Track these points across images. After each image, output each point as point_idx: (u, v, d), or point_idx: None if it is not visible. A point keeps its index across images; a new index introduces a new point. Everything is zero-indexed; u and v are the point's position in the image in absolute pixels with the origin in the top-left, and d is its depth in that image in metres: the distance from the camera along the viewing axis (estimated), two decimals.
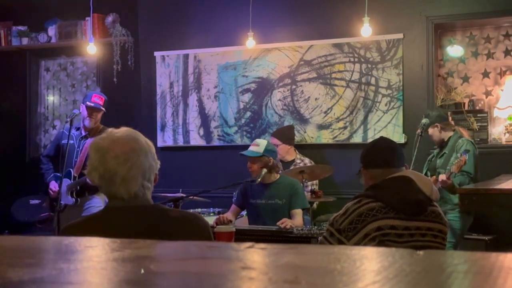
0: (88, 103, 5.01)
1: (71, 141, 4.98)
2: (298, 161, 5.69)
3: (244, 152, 4.58)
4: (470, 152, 4.55)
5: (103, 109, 5.08)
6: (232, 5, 6.37)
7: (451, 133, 4.85)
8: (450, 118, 5.04)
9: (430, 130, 4.86)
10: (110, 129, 2.10)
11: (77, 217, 4.82)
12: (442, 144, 4.87)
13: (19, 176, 7.05)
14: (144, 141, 2.06)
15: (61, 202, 4.90)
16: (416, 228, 2.58)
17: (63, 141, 5.09)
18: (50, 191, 5.03)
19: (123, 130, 2.07)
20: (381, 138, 3.12)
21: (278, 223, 4.18)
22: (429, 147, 5.12)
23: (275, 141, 5.62)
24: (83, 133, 5.06)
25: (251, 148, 4.57)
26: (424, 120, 4.77)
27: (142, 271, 0.76)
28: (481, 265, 0.77)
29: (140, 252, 0.86)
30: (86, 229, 2.03)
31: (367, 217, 2.55)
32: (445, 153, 4.79)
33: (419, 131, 4.77)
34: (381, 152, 2.77)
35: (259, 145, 4.57)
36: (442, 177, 4.45)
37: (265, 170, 4.47)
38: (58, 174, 5.05)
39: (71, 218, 4.85)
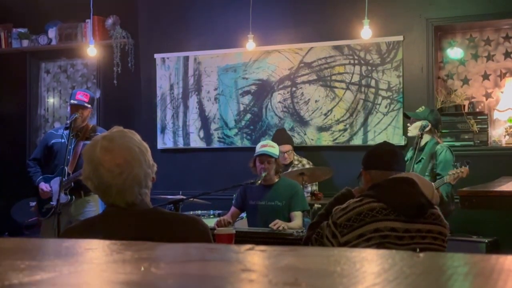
0: (72, 101, 4.87)
1: (62, 140, 4.86)
2: (296, 162, 5.70)
3: (268, 151, 4.49)
4: (450, 160, 4.49)
5: (88, 106, 4.90)
6: (232, 7, 6.37)
7: (428, 138, 4.70)
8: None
9: (420, 123, 4.68)
10: (103, 134, 2.05)
11: (69, 221, 4.65)
12: (417, 144, 4.69)
13: (19, 178, 7.04)
14: (138, 148, 2.00)
15: (52, 203, 4.70)
16: (416, 231, 2.58)
17: (52, 141, 4.96)
18: (42, 191, 4.83)
19: (116, 135, 2.01)
20: (384, 142, 3.15)
21: (270, 225, 4.17)
22: None
23: (288, 147, 5.61)
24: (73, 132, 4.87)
25: (269, 149, 4.52)
26: (424, 122, 4.74)
27: (142, 268, 0.76)
28: (481, 267, 0.77)
29: (140, 254, 0.86)
30: (85, 232, 2.02)
31: (366, 217, 2.55)
32: (422, 158, 4.63)
33: (418, 133, 4.75)
34: (381, 155, 2.80)
35: (275, 147, 4.57)
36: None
37: (272, 171, 4.50)
38: (48, 176, 4.90)
39: (62, 223, 4.67)
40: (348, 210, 2.59)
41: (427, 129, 4.68)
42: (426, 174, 4.53)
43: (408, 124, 4.82)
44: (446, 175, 4.39)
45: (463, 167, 4.34)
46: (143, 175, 2.01)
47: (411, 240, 2.56)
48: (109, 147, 1.97)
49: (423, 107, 4.94)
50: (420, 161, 4.64)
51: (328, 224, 2.65)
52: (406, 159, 4.73)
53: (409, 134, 4.83)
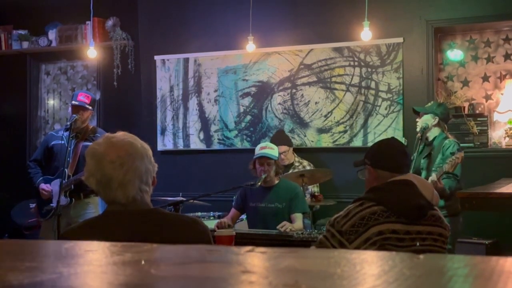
0: (73, 101, 4.87)
1: (62, 142, 4.85)
2: (297, 163, 5.69)
3: (267, 153, 4.49)
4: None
5: (89, 107, 4.88)
6: (232, 9, 6.38)
7: (437, 133, 4.68)
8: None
9: (427, 117, 4.67)
10: (106, 134, 2.11)
11: (68, 224, 4.63)
12: (426, 140, 4.68)
13: (19, 180, 7.05)
14: (140, 145, 2.06)
15: (52, 204, 4.70)
16: (417, 233, 2.57)
17: (52, 143, 4.94)
18: (43, 192, 4.81)
19: (119, 134, 2.08)
20: (393, 139, 3.03)
21: (278, 227, 4.19)
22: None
23: (285, 147, 5.60)
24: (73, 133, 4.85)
25: (268, 151, 4.52)
26: (424, 124, 4.73)
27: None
28: (481, 269, 0.77)
29: (141, 256, 0.86)
30: (86, 233, 2.03)
31: (369, 221, 2.54)
32: (430, 153, 4.62)
33: (419, 134, 4.74)
34: (394, 156, 2.73)
35: (274, 148, 4.58)
36: (433, 178, 4.26)
37: (272, 173, 4.50)
38: (49, 177, 4.88)
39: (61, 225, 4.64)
40: (350, 216, 2.57)
41: (434, 123, 4.67)
42: (433, 169, 4.49)
43: (417, 119, 4.79)
44: (445, 164, 4.36)
45: (457, 153, 4.33)
46: (145, 170, 2.05)
47: (412, 242, 2.55)
48: (112, 142, 2.04)
49: (432, 102, 4.96)
50: (427, 156, 4.61)
51: (332, 234, 2.59)
52: (413, 155, 4.71)
53: (418, 129, 4.78)
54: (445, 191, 4.25)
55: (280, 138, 5.78)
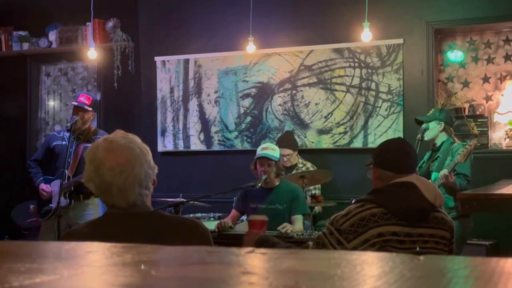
0: (74, 102, 4.89)
1: (63, 143, 4.86)
2: (301, 165, 5.68)
3: (268, 154, 4.49)
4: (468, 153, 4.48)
5: (90, 109, 4.90)
6: (233, 10, 6.38)
7: (444, 137, 4.69)
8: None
9: (433, 124, 4.67)
10: (104, 136, 2.09)
11: (68, 225, 4.63)
12: (433, 146, 4.71)
13: (19, 181, 7.04)
14: (139, 149, 2.03)
15: (51, 205, 4.72)
16: (418, 235, 2.56)
17: (54, 143, 4.96)
18: (43, 192, 4.83)
19: (118, 137, 2.05)
20: (399, 139, 3.01)
21: (278, 228, 4.19)
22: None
23: (288, 151, 5.58)
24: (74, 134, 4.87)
25: (269, 151, 4.51)
26: (424, 125, 4.73)
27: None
28: (482, 270, 0.77)
29: (141, 257, 0.86)
30: (86, 235, 2.03)
31: (369, 222, 2.53)
32: (438, 156, 4.61)
33: (419, 136, 4.74)
34: (397, 156, 2.70)
35: (275, 149, 4.58)
36: (445, 172, 4.28)
37: (272, 174, 4.49)
38: (49, 177, 4.89)
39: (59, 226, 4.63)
40: (350, 216, 2.57)
41: (441, 128, 4.67)
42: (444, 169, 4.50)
43: (419, 136, 4.78)
44: (456, 156, 4.36)
45: (470, 141, 4.32)
46: (144, 175, 2.03)
47: (413, 245, 2.54)
48: (111, 147, 2.01)
49: (432, 109, 4.94)
50: (436, 159, 4.61)
51: (330, 231, 2.59)
52: (423, 160, 4.70)
53: (426, 138, 4.70)
54: (456, 186, 4.26)
55: (285, 141, 5.73)
